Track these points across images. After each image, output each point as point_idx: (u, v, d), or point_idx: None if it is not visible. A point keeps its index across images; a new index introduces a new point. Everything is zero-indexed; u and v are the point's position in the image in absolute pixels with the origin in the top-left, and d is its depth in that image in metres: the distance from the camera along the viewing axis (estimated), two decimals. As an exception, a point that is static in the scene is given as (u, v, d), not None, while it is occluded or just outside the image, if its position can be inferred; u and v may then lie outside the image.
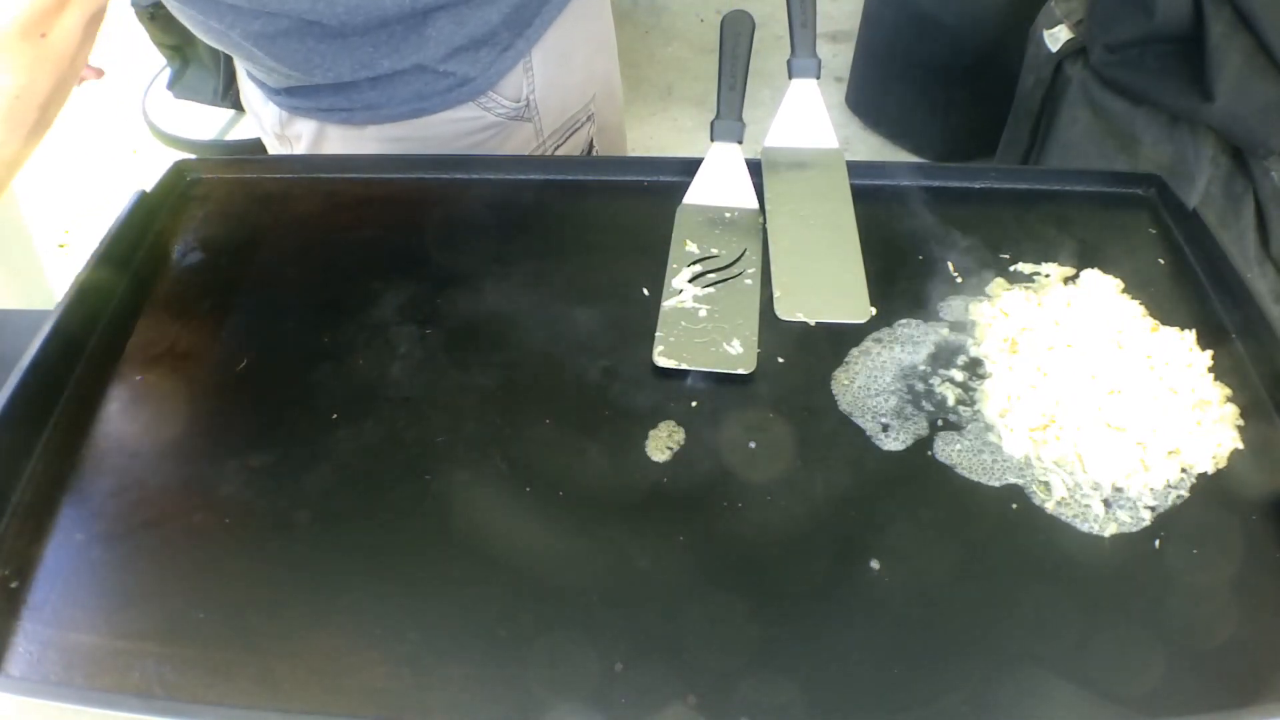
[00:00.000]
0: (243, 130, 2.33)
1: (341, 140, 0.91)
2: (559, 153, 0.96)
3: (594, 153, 1.01)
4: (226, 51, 0.87)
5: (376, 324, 0.71)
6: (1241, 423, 0.63)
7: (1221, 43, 1.31)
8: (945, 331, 0.70)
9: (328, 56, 0.82)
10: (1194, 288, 0.73)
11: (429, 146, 0.90)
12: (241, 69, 0.96)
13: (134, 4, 2.07)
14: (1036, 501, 0.59)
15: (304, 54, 0.81)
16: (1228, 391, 0.65)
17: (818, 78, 0.86)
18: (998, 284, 0.72)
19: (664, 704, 0.50)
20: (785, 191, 0.80)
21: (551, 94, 0.92)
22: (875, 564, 0.56)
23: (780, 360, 0.68)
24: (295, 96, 0.89)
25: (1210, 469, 0.60)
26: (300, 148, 0.94)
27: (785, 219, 0.78)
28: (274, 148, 0.99)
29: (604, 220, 0.81)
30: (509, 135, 0.92)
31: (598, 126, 1.00)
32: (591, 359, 0.68)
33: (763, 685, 0.51)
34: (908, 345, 0.69)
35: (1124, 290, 0.71)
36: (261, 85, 0.91)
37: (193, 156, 0.87)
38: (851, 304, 0.71)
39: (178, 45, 2.21)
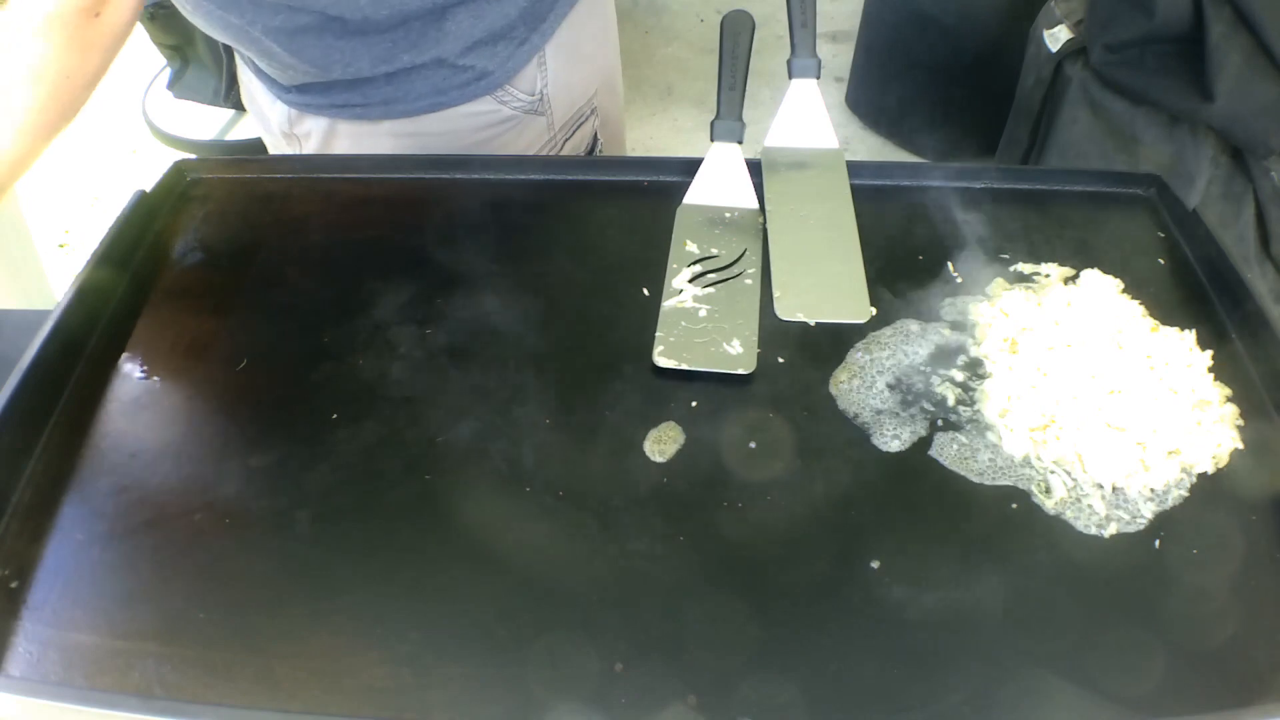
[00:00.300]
0: (243, 130, 2.33)
1: (354, 137, 0.91)
2: (566, 146, 0.97)
3: (598, 145, 1.01)
4: (241, 49, 0.87)
5: (376, 324, 0.71)
6: (1241, 423, 0.63)
7: (1221, 43, 1.31)
8: (945, 331, 0.70)
9: (346, 52, 0.82)
10: (1194, 288, 0.73)
11: (445, 140, 0.90)
12: (245, 69, 0.96)
13: (134, 4, 2.06)
14: (1036, 501, 0.59)
15: (323, 50, 0.81)
16: (1228, 391, 0.65)
17: (818, 78, 0.86)
18: (998, 284, 0.72)
19: (664, 704, 0.50)
20: (785, 191, 0.80)
21: (562, 88, 0.93)
22: (875, 564, 0.56)
23: (780, 360, 0.68)
24: (307, 94, 0.88)
25: (1210, 469, 0.60)
26: (310, 146, 0.93)
27: (785, 219, 0.78)
28: (279, 147, 0.99)
29: (604, 220, 0.81)
30: (523, 129, 0.92)
31: (601, 120, 1.00)
32: (591, 359, 0.68)
33: (763, 685, 0.51)
34: (908, 345, 0.69)
35: (1124, 290, 0.71)
36: (270, 84, 0.91)
37: (193, 156, 0.87)
38: (851, 304, 0.71)
39: (178, 45, 2.20)
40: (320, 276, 0.76)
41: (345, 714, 0.50)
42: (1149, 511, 0.58)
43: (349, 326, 0.71)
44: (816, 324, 0.70)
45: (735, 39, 0.85)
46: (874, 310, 0.71)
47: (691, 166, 0.82)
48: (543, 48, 0.89)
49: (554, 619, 0.54)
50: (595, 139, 1.01)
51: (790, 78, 0.86)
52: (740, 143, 0.83)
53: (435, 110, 0.88)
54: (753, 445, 0.62)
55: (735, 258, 0.75)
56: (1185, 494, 0.59)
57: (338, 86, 0.86)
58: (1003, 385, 0.65)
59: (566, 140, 0.97)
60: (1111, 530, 0.57)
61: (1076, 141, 1.59)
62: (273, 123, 0.96)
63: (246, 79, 0.98)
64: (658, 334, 0.69)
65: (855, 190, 0.80)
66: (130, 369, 0.68)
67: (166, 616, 0.54)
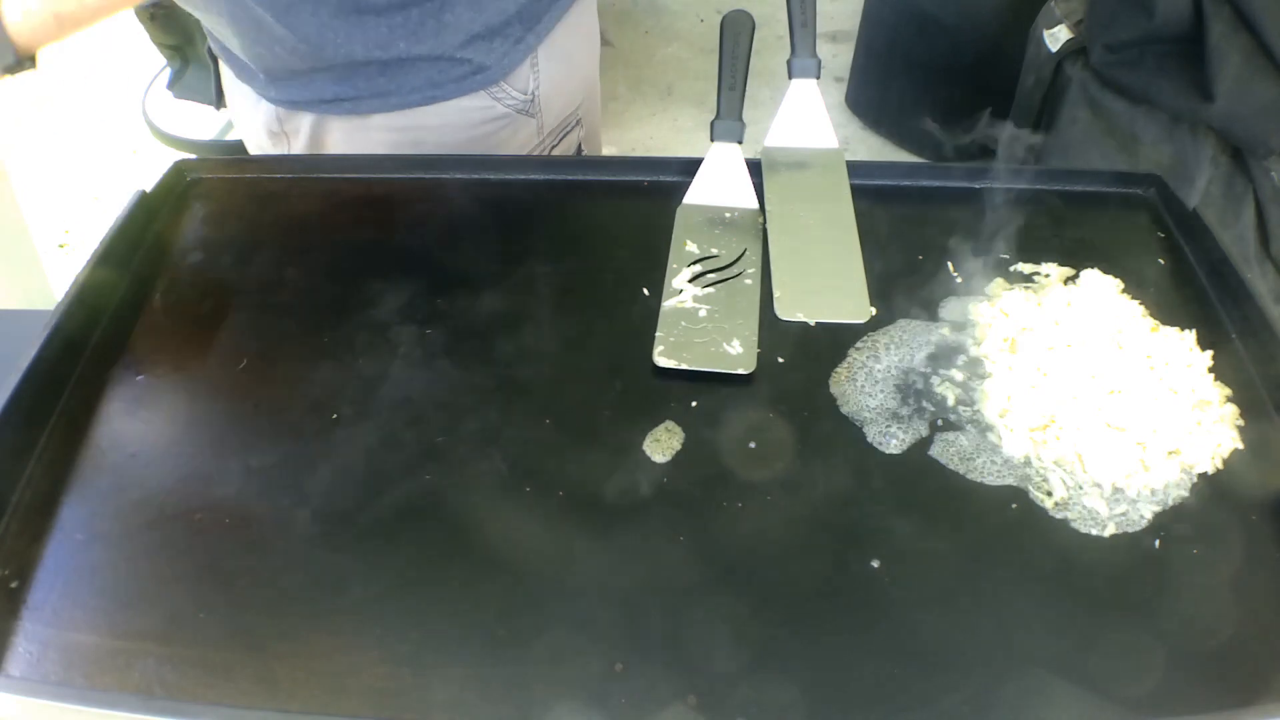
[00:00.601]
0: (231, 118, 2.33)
1: (344, 131, 0.91)
2: (553, 153, 0.97)
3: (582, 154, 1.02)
4: (230, 27, 0.84)
5: (376, 324, 0.71)
6: (1241, 423, 0.63)
7: (1221, 43, 1.31)
8: (945, 331, 0.69)
9: (341, 32, 0.82)
10: (1194, 288, 0.73)
11: (438, 135, 0.90)
12: (229, 71, 0.95)
13: (134, 4, 2.06)
14: (1036, 501, 0.59)
15: (317, 26, 0.81)
16: (1228, 391, 0.65)
17: (818, 78, 0.86)
18: (998, 284, 0.72)
19: (664, 704, 0.50)
20: (785, 191, 0.80)
21: (553, 93, 0.93)
22: (875, 564, 0.56)
23: (780, 360, 0.68)
24: (293, 87, 0.88)
25: (1210, 469, 0.60)
26: (300, 141, 0.93)
27: (785, 219, 0.78)
28: (266, 147, 0.99)
29: (604, 220, 0.81)
30: (516, 130, 0.92)
31: (585, 132, 1.01)
32: (591, 359, 0.68)
33: (763, 685, 0.51)
34: (908, 345, 0.69)
35: (1124, 290, 0.71)
36: (254, 81, 0.91)
37: (193, 156, 0.87)
38: (851, 304, 0.71)
39: (178, 45, 2.20)
40: (320, 276, 0.76)
41: (345, 714, 0.50)
42: (1149, 511, 0.58)
43: (349, 326, 0.71)
44: (816, 324, 0.70)
45: (735, 39, 0.85)
46: (874, 310, 0.71)
47: (691, 166, 0.82)
48: (536, 49, 0.89)
49: (554, 619, 0.54)
50: (579, 150, 1.01)
51: (790, 78, 0.86)
52: (740, 143, 0.83)
53: (429, 103, 0.88)
54: (753, 445, 0.62)
55: (735, 258, 0.75)
56: (1185, 494, 0.59)
57: (327, 76, 0.85)
58: (1003, 385, 0.65)
59: (554, 147, 0.97)
60: (1111, 530, 0.57)
61: (1076, 141, 1.58)
62: (259, 124, 0.95)
63: (230, 84, 0.97)
64: (658, 334, 0.69)
65: (855, 190, 0.80)
66: (130, 369, 0.68)
67: (166, 616, 0.54)
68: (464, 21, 0.83)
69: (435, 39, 0.83)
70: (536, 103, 0.92)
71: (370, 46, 0.83)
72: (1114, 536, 0.57)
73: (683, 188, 0.81)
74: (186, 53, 2.23)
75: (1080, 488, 0.59)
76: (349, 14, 0.81)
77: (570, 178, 0.84)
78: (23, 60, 0.70)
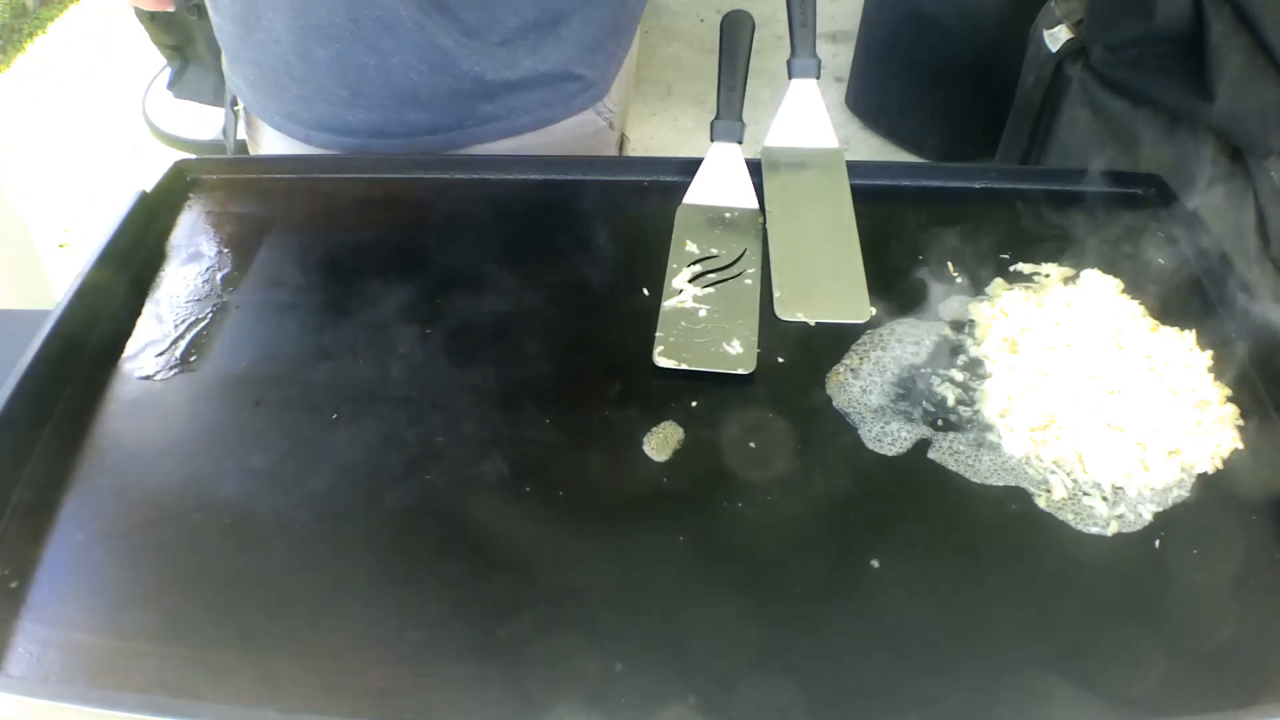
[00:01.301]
0: (243, 130, 2.33)
1: None
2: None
3: None
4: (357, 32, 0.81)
5: (376, 324, 0.71)
6: (1241, 423, 0.63)
7: (1221, 43, 1.31)
8: (945, 331, 0.70)
9: (471, 50, 0.81)
10: (1194, 288, 0.73)
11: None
12: (269, 130, 0.92)
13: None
14: (1036, 501, 0.59)
15: (452, 43, 0.80)
16: (1228, 391, 0.65)
17: (818, 78, 0.86)
18: (998, 284, 0.72)
19: (664, 704, 0.50)
20: (785, 191, 0.80)
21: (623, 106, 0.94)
22: (875, 564, 0.56)
23: (780, 360, 0.68)
24: (380, 118, 0.86)
25: (1210, 469, 0.60)
26: None
27: (785, 219, 0.78)
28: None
29: (604, 220, 0.81)
30: (607, 145, 0.94)
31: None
32: (591, 359, 0.68)
33: (763, 685, 0.51)
34: (908, 345, 0.69)
35: (1124, 290, 0.71)
36: (322, 117, 0.87)
37: (193, 156, 0.87)
38: (851, 304, 0.71)
39: (178, 45, 2.20)
40: (320, 276, 0.76)
41: (345, 714, 0.50)
42: (1149, 512, 0.58)
43: (349, 326, 0.71)
44: (816, 324, 0.70)
45: (735, 39, 0.85)
46: (874, 310, 0.71)
47: (691, 166, 0.82)
48: (623, 62, 0.90)
49: (554, 619, 0.54)
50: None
51: (790, 78, 0.86)
52: (740, 143, 0.83)
53: (540, 126, 0.87)
54: (753, 445, 0.62)
55: (735, 258, 0.75)
56: (1185, 494, 0.59)
57: (425, 108, 0.84)
58: (1003, 385, 0.65)
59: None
60: (1112, 530, 0.57)
61: (1076, 141, 1.59)
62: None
63: (276, 142, 0.94)
64: (658, 334, 0.69)
65: (855, 190, 0.80)
66: (130, 369, 0.68)
67: (166, 616, 0.54)
68: (577, 34, 0.83)
69: (556, 53, 0.83)
70: (618, 115, 0.92)
71: (499, 67, 0.82)
72: (1114, 536, 0.57)
73: (683, 188, 0.81)
74: (186, 53, 2.23)
75: (1080, 488, 0.59)
76: (473, 35, 0.80)
77: (570, 178, 0.84)
78: None
